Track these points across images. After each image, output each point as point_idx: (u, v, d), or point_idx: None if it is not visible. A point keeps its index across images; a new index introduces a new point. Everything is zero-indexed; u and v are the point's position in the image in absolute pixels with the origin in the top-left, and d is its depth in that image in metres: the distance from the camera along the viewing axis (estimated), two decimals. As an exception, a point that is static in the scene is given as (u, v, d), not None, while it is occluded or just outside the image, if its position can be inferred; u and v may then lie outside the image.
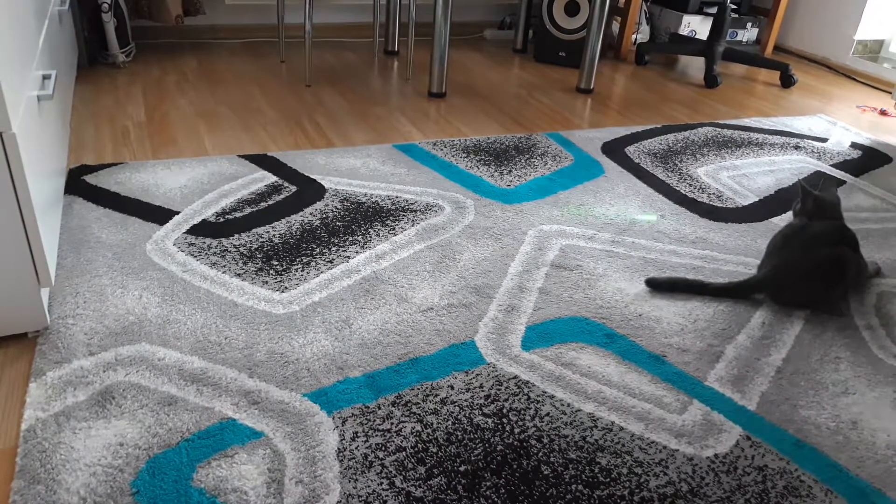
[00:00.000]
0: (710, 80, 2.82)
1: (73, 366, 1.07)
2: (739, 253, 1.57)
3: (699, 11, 3.27)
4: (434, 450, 0.98)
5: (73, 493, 0.87)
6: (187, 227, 1.49)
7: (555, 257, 1.48)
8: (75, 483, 0.88)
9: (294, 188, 1.69)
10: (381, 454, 0.97)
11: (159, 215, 1.52)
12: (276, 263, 1.38)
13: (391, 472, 0.94)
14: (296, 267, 1.38)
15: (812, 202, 1.42)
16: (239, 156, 1.84)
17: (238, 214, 1.55)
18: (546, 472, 0.96)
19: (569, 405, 1.08)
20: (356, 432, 1.00)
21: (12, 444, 0.94)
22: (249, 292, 1.29)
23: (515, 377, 1.13)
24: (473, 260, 1.45)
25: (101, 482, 0.89)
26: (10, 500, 0.85)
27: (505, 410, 1.06)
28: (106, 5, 2.34)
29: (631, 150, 2.09)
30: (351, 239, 1.49)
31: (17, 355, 1.10)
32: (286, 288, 1.31)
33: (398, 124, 2.16)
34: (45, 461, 0.91)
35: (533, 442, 1.01)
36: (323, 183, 1.73)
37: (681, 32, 3.27)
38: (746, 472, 0.99)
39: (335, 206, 1.62)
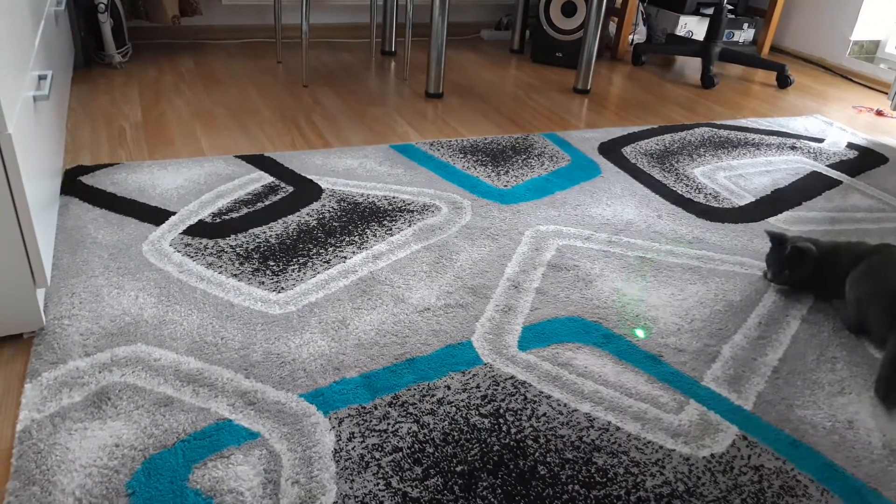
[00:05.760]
0: (707, 81, 2.82)
1: (69, 366, 1.07)
2: (736, 253, 1.57)
3: (696, 12, 3.27)
4: (430, 450, 0.98)
5: (69, 494, 0.87)
6: (184, 227, 1.48)
7: (551, 257, 1.48)
8: (71, 484, 0.88)
9: (291, 188, 1.69)
10: (377, 454, 0.97)
11: (155, 216, 1.52)
12: (272, 264, 1.38)
13: (388, 472, 0.94)
14: (292, 267, 1.37)
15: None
16: (235, 156, 1.84)
17: (235, 215, 1.55)
18: (543, 473, 0.96)
19: (565, 405, 1.08)
20: (352, 433, 1.00)
21: (7, 445, 0.94)
22: (246, 293, 1.28)
23: (512, 377, 1.13)
24: (470, 260, 1.45)
25: (97, 483, 0.88)
26: (5, 502, 0.85)
27: (501, 410, 1.06)
28: (102, 6, 2.33)
29: (628, 151, 2.09)
30: (348, 239, 1.49)
31: (13, 356, 1.10)
32: (283, 288, 1.31)
33: (395, 125, 2.16)
34: (41, 462, 0.91)
35: (529, 442, 1.01)
36: (320, 183, 1.72)
37: (677, 33, 3.28)
38: (743, 472, 0.99)
39: (332, 207, 1.62)
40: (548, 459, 0.98)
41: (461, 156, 1.95)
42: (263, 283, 1.32)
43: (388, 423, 1.02)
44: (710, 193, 1.86)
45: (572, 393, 1.11)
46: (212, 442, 0.96)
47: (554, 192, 1.79)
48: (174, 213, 1.53)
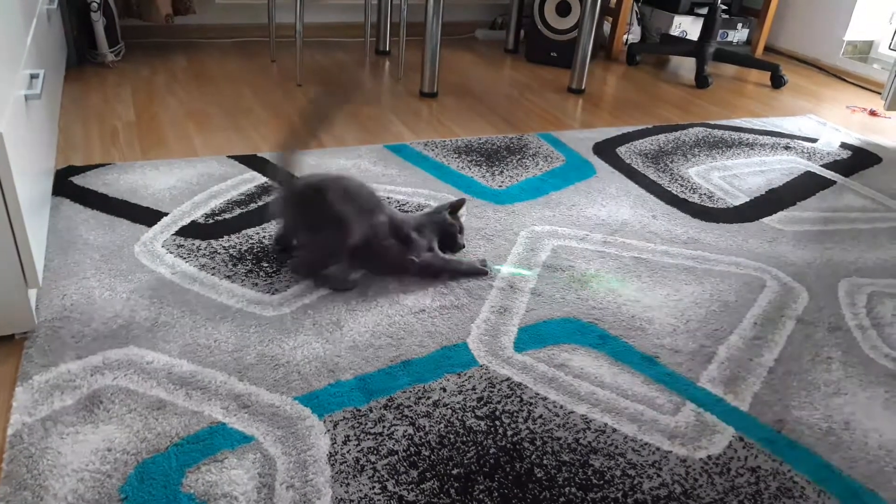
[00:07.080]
0: (701, 81, 2.82)
1: (61, 369, 1.06)
2: (731, 253, 1.57)
3: (690, 12, 3.28)
4: (426, 453, 0.98)
5: (61, 498, 0.86)
6: (176, 228, 1.47)
7: (547, 258, 1.48)
8: (63, 489, 0.87)
9: (285, 189, 1.67)
10: (372, 458, 0.96)
11: (148, 217, 1.51)
12: (266, 265, 1.37)
13: (383, 475, 0.94)
14: (286, 269, 1.36)
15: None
16: (228, 156, 1.82)
17: (227, 216, 1.54)
18: (539, 475, 0.96)
19: (562, 407, 1.08)
20: (348, 436, 0.99)
21: (-2, 450, 0.93)
22: (239, 294, 1.27)
23: (508, 379, 1.13)
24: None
25: (89, 488, 0.87)
26: (-5, 507, 0.84)
27: (497, 413, 1.06)
28: (95, 4, 2.32)
29: (622, 151, 2.09)
30: (342, 240, 1.48)
31: (4, 358, 1.08)
32: (276, 290, 1.30)
33: (389, 124, 2.15)
34: (32, 467, 0.90)
35: (526, 444, 1.01)
36: (314, 184, 1.71)
37: (672, 33, 3.28)
38: (739, 474, 0.99)
39: (326, 207, 1.61)
40: (544, 462, 0.98)
41: (456, 156, 1.95)
42: (257, 284, 1.31)
43: (384, 426, 1.01)
44: (705, 193, 1.86)
45: (568, 395, 1.10)
46: (205, 446, 0.95)
47: (549, 192, 1.79)
48: (166, 214, 1.52)
